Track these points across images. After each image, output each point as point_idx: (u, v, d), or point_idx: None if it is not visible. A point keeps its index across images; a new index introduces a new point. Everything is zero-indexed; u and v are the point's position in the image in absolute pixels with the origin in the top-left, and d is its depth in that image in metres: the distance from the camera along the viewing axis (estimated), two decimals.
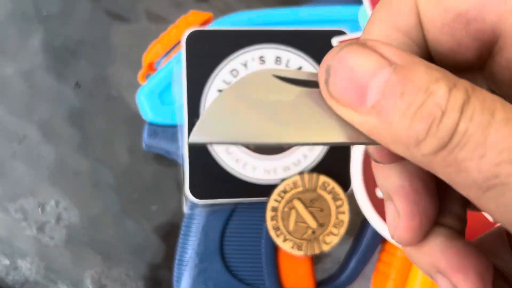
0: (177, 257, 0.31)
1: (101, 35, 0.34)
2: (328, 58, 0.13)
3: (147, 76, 0.32)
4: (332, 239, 0.30)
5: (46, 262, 0.33)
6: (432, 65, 0.12)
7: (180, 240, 0.31)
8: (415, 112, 0.12)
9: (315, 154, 0.30)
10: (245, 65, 0.29)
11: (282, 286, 0.30)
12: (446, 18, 0.14)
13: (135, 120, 0.34)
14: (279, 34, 0.29)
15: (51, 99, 0.34)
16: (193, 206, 0.30)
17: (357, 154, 0.30)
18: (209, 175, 0.30)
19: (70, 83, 0.34)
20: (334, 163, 0.30)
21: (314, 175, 0.30)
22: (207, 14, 0.31)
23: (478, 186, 0.11)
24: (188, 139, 0.14)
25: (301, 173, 0.30)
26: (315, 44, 0.30)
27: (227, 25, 0.30)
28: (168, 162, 0.34)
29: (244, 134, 0.13)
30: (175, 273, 0.30)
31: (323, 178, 0.30)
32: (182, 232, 0.31)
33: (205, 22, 0.31)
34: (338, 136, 0.13)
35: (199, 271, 0.30)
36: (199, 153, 0.29)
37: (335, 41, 0.29)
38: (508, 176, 0.11)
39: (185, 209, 0.30)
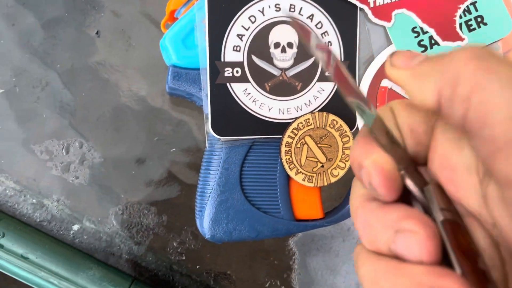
0: (198, 189, 0.33)
1: None
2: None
3: (167, 25, 0.34)
4: (339, 172, 0.34)
5: (71, 200, 0.35)
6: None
7: (201, 174, 0.33)
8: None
9: (325, 95, 0.33)
10: (262, 11, 0.32)
11: (295, 214, 0.34)
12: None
13: (154, 68, 0.36)
14: None
15: (72, 47, 0.35)
16: (214, 142, 0.33)
17: None
18: (229, 114, 0.32)
19: (91, 32, 0.36)
20: (342, 103, 0.33)
21: (324, 113, 0.33)
22: None
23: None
24: None
25: (312, 112, 0.33)
26: None
27: None
28: (185, 106, 0.36)
29: None
30: (197, 204, 0.33)
31: (332, 117, 0.33)
32: (203, 167, 0.33)
33: None
34: None
35: (220, 201, 0.33)
36: (220, 93, 0.32)
37: None
38: None
39: (207, 145, 0.33)
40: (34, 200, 0.35)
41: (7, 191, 0.35)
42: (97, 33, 0.36)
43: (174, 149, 0.36)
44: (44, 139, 0.35)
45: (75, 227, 0.35)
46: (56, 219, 0.35)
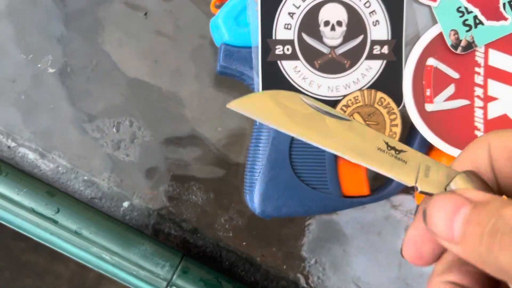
0: (248, 166, 0.34)
1: None
2: (425, 204, 0.17)
3: (216, 6, 0.35)
4: None
5: (122, 177, 0.36)
6: (506, 199, 0.16)
7: (251, 151, 0.34)
8: (489, 232, 0.15)
9: (373, 73, 0.34)
10: None
11: (342, 190, 0.34)
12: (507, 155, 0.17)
13: (202, 50, 0.37)
14: None
15: (121, 27, 0.36)
16: None
17: (408, 73, 0.34)
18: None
19: (140, 12, 0.36)
20: (389, 81, 0.34)
21: (373, 91, 0.34)
22: None
23: None
24: (228, 104, 0.20)
25: (361, 90, 0.34)
26: None
27: None
28: (232, 87, 0.37)
29: (270, 118, 0.20)
30: (247, 180, 0.34)
31: (380, 94, 0.34)
32: (252, 144, 0.34)
33: None
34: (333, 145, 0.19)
35: (271, 177, 0.33)
36: (271, 71, 0.33)
37: None
38: None
39: (256, 123, 0.34)
40: (85, 177, 0.36)
41: (60, 168, 0.36)
42: (145, 14, 0.36)
43: (220, 128, 0.37)
44: (95, 117, 0.36)
45: (125, 204, 0.36)
46: (106, 196, 0.36)
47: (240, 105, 0.20)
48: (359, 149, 0.19)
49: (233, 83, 0.36)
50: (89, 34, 0.36)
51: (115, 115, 0.36)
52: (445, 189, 0.18)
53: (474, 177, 0.18)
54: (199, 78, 0.37)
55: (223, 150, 0.37)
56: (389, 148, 0.19)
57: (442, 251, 0.19)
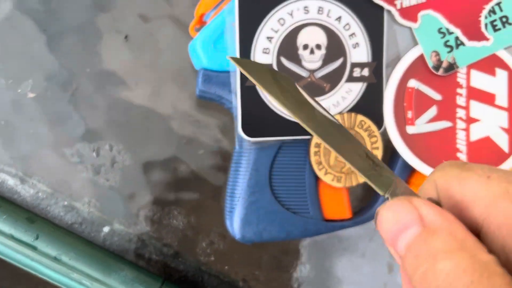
0: (228, 190, 0.34)
1: None
2: (381, 206, 0.16)
3: (196, 29, 0.35)
4: None
5: (102, 202, 0.36)
6: (459, 232, 0.14)
7: (231, 175, 0.34)
8: (421, 274, 0.14)
9: (353, 96, 0.34)
10: (291, 14, 0.33)
11: (323, 214, 0.34)
12: (451, 203, 0.16)
13: (182, 72, 0.37)
14: None
15: (101, 51, 0.36)
16: (243, 144, 0.33)
17: (389, 95, 0.34)
18: (259, 116, 0.33)
19: (120, 36, 0.36)
20: (370, 103, 0.34)
21: (353, 114, 0.33)
22: None
23: None
24: (228, 57, 0.20)
25: (341, 113, 0.33)
26: None
27: None
28: (214, 109, 0.37)
29: (263, 83, 0.19)
30: (227, 205, 0.34)
31: (360, 117, 0.33)
32: (232, 168, 0.34)
33: None
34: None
35: (250, 202, 0.33)
36: (250, 95, 0.33)
37: None
38: None
39: (236, 147, 0.34)
40: (65, 203, 0.36)
41: (39, 194, 0.35)
42: (126, 37, 0.36)
43: (202, 151, 0.37)
44: (75, 142, 0.36)
45: (106, 229, 0.36)
46: (87, 221, 0.36)
47: (239, 63, 0.20)
48: (341, 146, 0.19)
49: (215, 105, 0.36)
50: (69, 58, 0.36)
51: (96, 139, 0.36)
52: None
53: None
54: (180, 101, 0.36)
55: (204, 173, 0.37)
56: (368, 158, 0.19)
57: None
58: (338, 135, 0.19)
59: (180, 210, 0.36)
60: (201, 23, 0.35)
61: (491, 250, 0.14)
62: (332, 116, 0.20)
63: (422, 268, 0.14)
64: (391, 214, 0.16)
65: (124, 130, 0.36)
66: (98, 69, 0.36)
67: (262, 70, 0.20)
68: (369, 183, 0.18)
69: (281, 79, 0.20)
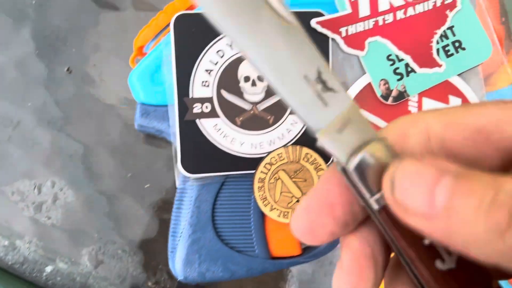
0: (171, 229, 0.32)
1: (90, 23, 0.36)
2: (390, 171, 0.14)
3: (136, 60, 0.34)
4: None
5: (44, 241, 0.34)
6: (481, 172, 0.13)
7: (173, 213, 0.32)
8: (489, 205, 0.12)
9: (298, 128, 0.32)
10: (230, 45, 0.31)
11: (270, 252, 0.33)
12: (466, 133, 0.15)
13: (125, 103, 0.35)
14: None
15: (44, 85, 0.35)
16: (185, 180, 0.32)
17: None
18: (200, 151, 0.31)
19: (62, 69, 0.35)
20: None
21: (298, 147, 0.32)
22: None
23: None
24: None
25: (285, 146, 0.32)
26: None
27: None
28: (158, 142, 0.35)
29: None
30: (169, 245, 0.32)
31: (305, 150, 0.32)
32: (175, 205, 0.32)
33: (192, 7, 0.32)
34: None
35: (192, 241, 0.32)
36: (189, 130, 0.31)
37: (313, 21, 0.32)
38: None
39: (178, 183, 0.32)
40: (6, 242, 0.34)
41: None
42: (68, 69, 0.35)
43: (148, 185, 0.35)
44: (15, 179, 0.34)
45: (48, 269, 0.34)
46: (28, 261, 0.34)
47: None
48: (279, 66, 0.14)
49: (161, 138, 0.35)
50: (11, 93, 0.35)
51: (37, 175, 0.35)
52: (350, 156, 0.15)
53: (393, 148, 0.15)
54: (123, 133, 0.35)
55: (151, 209, 0.35)
56: (318, 81, 0.15)
57: (340, 230, 0.16)
58: (284, 47, 0.14)
59: (125, 247, 0.35)
60: (142, 54, 0.33)
61: None
62: (287, 12, 0.15)
63: (487, 199, 0.12)
64: (418, 183, 0.13)
65: (66, 167, 0.35)
66: (40, 103, 0.35)
67: None
68: (301, 119, 0.15)
69: None
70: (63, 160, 0.35)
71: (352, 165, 0.15)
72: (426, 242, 0.15)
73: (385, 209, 0.15)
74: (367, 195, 0.15)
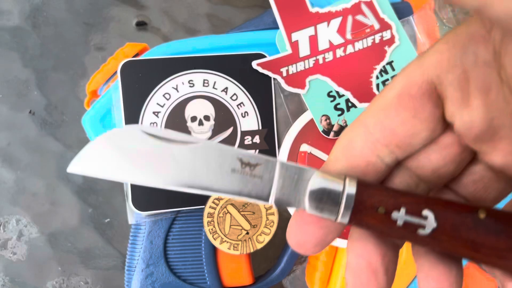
0: (126, 263, 0.34)
1: (51, 67, 0.38)
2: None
3: (91, 102, 0.35)
4: (265, 238, 0.34)
5: (10, 276, 0.36)
6: None
7: (129, 248, 0.34)
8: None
9: None
10: (176, 88, 0.33)
11: (223, 283, 0.34)
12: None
13: (87, 142, 0.37)
14: (205, 60, 0.33)
15: (8, 127, 0.37)
16: (138, 217, 0.34)
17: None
18: (149, 188, 0.33)
19: (25, 111, 0.37)
20: None
21: None
22: (141, 45, 0.34)
23: None
24: (67, 169, 0.17)
25: None
26: (238, 67, 0.33)
27: (159, 54, 0.33)
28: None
29: (114, 173, 0.17)
30: (125, 278, 0.34)
31: None
32: (130, 241, 0.34)
33: (141, 52, 0.34)
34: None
35: (146, 275, 0.33)
36: None
37: (255, 63, 0.33)
38: None
39: (131, 220, 0.34)
40: None
41: None
42: (30, 111, 0.37)
43: (109, 219, 0.37)
44: None
45: None
46: None
47: (79, 168, 0.17)
48: (207, 177, 0.17)
49: None
50: None
51: (2, 213, 0.36)
52: (305, 198, 0.17)
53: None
54: None
55: (111, 242, 0.37)
56: (243, 166, 0.17)
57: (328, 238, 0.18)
58: (202, 162, 0.17)
59: (88, 280, 0.36)
60: (97, 96, 0.35)
61: None
62: (190, 137, 0.18)
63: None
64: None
65: (31, 204, 0.37)
66: (4, 144, 0.37)
67: (99, 152, 0.17)
68: (251, 201, 0.17)
69: (121, 141, 0.17)
70: (27, 198, 0.37)
71: (307, 205, 0.17)
72: (400, 223, 0.17)
73: (351, 221, 0.17)
74: (333, 218, 0.17)
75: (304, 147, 0.34)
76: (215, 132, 0.34)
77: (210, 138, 0.34)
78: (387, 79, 0.35)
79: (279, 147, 0.34)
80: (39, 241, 0.36)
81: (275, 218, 0.34)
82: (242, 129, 0.34)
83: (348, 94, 0.34)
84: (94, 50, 0.39)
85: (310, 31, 0.34)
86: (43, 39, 0.38)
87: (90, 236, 0.37)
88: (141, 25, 0.39)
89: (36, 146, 0.37)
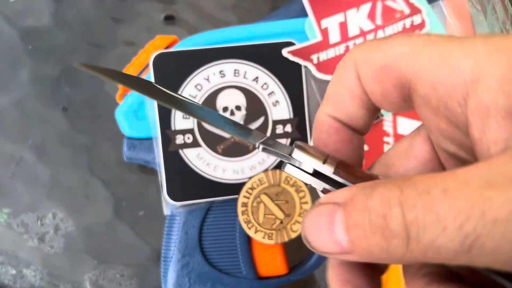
0: (162, 254, 0.34)
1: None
2: (302, 223, 0.16)
3: (123, 96, 0.36)
4: (299, 227, 0.34)
5: (48, 269, 0.37)
6: (367, 184, 0.14)
7: (164, 240, 0.34)
8: (370, 229, 0.13)
9: None
10: (207, 79, 0.33)
11: (258, 273, 0.34)
12: (374, 70, 0.16)
13: (119, 135, 0.38)
14: (235, 50, 0.33)
15: (42, 123, 0.38)
16: (172, 208, 0.34)
17: None
18: (184, 179, 0.33)
19: (58, 107, 0.38)
20: None
21: (277, 171, 0.33)
22: (172, 38, 0.34)
23: (459, 252, 0.12)
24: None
25: (265, 171, 0.34)
26: (268, 56, 0.33)
27: (190, 46, 0.34)
28: (150, 170, 0.38)
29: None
30: (162, 269, 0.34)
31: (285, 174, 0.34)
32: (165, 232, 0.34)
33: (171, 45, 0.34)
34: None
35: (182, 265, 0.33)
36: (173, 160, 0.33)
37: (285, 51, 0.33)
38: (475, 230, 0.12)
39: (166, 211, 0.34)
40: (14, 271, 0.37)
41: None
42: (63, 108, 0.38)
43: (143, 212, 0.37)
44: (19, 212, 0.37)
45: None
46: None
47: (89, 69, 0.18)
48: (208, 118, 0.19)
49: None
50: (11, 132, 0.38)
51: (39, 208, 0.37)
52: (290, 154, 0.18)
53: (306, 148, 0.18)
54: (118, 164, 0.37)
55: (146, 235, 0.37)
56: (236, 125, 0.20)
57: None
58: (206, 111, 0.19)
59: (123, 273, 0.37)
60: (128, 90, 0.36)
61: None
62: (191, 100, 0.20)
63: (366, 225, 0.13)
64: (319, 230, 0.15)
65: (66, 198, 0.37)
66: (39, 140, 0.38)
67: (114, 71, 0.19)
68: (243, 141, 0.18)
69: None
70: (62, 193, 0.37)
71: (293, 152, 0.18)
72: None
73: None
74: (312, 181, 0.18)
75: None
76: (247, 121, 0.34)
77: None
78: None
79: (311, 135, 0.34)
80: (75, 234, 0.37)
81: (308, 207, 0.34)
82: (274, 118, 0.34)
83: None
84: (123, 45, 0.39)
85: (340, 17, 0.34)
86: (74, 36, 0.39)
87: (124, 228, 0.37)
88: (169, 19, 0.39)
89: (70, 141, 0.38)
